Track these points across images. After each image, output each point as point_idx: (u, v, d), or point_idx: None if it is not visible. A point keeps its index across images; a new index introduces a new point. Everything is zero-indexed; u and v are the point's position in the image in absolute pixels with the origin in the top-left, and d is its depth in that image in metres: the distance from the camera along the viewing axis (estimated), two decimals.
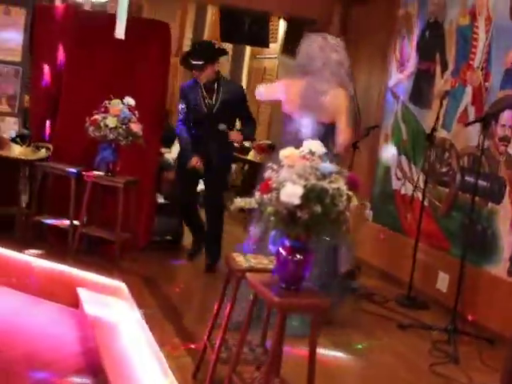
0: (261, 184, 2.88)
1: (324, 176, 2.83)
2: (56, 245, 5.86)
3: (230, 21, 8.45)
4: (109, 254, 5.69)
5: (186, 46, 12.64)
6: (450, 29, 6.00)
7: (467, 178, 5.55)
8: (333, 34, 7.36)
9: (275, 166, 2.89)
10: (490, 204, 5.27)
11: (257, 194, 2.89)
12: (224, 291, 3.56)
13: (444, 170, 5.87)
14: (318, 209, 2.76)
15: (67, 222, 5.76)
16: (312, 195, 2.77)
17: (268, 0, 7.70)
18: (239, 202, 2.95)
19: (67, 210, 5.72)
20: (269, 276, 3.10)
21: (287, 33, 8.81)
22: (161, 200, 6.77)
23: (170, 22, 12.94)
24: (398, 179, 6.45)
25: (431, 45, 6.24)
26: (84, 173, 5.64)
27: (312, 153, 2.92)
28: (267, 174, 2.90)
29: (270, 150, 7.86)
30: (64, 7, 6.61)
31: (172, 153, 10.64)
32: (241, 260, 3.37)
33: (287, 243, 2.90)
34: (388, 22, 6.84)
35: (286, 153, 2.91)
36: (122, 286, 4.64)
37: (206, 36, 12.00)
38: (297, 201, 2.74)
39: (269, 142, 8.70)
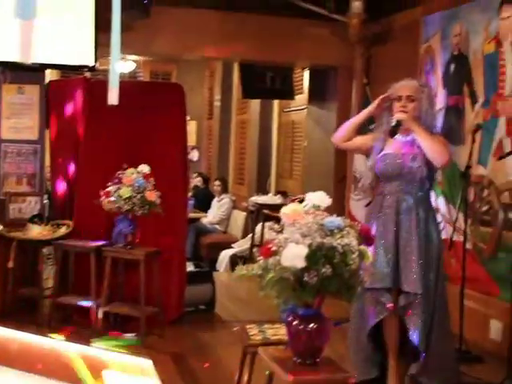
0: (261, 247, 2.56)
1: (331, 232, 2.50)
2: (82, 325, 5.59)
3: (251, 76, 8.26)
4: (136, 331, 5.39)
5: (216, 106, 12.56)
6: (475, 59, 5.66)
7: (511, 215, 5.14)
8: (356, 78, 7.20)
9: (276, 226, 2.57)
10: None
11: (260, 259, 2.56)
12: (242, 367, 3.21)
13: (485, 208, 5.46)
14: (328, 270, 2.42)
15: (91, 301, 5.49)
16: (319, 255, 2.43)
17: (288, 51, 7.51)
18: (241, 269, 2.61)
19: (90, 287, 5.47)
20: (284, 349, 2.75)
21: (311, 82, 8.56)
22: (191, 268, 6.46)
23: (199, 86, 13.21)
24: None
25: (458, 78, 5.90)
26: (103, 248, 5.39)
27: (316, 207, 2.60)
28: (268, 235, 2.57)
29: None
30: (76, 80, 6.50)
31: (209, 217, 10.46)
32: (255, 332, 3.02)
33: (297, 311, 2.56)
34: (411, 59, 6.53)
35: (287, 209, 2.58)
36: (148, 364, 4.35)
37: (234, 95, 11.87)
38: (301, 263, 2.40)
39: (302, 196, 8.38)
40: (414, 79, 4.21)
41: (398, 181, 4.07)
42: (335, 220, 2.52)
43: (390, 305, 3.88)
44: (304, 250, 2.40)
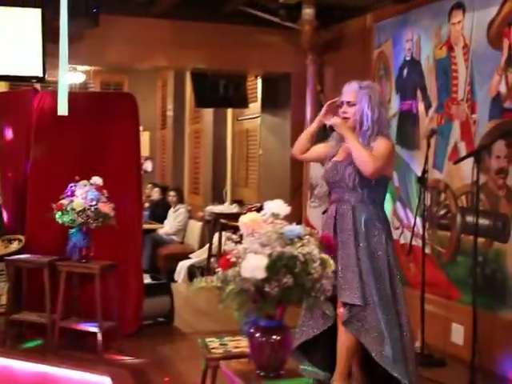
0: (219, 259, 2.49)
1: (291, 241, 2.44)
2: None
3: (203, 85, 8.17)
4: (93, 346, 5.26)
5: (169, 116, 12.45)
6: (427, 64, 5.67)
7: (468, 219, 5.15)
8: (309, 86, 7.18)
9: (234, 236, 2.50)
10: (495, 243, 4.85)
11: (219, 271, 2.49)
12: (203, 381, 3.13)
13: (442, 212, 5.47)
14: (289, 280, 2.36)
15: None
16: (279, 265, 2.37)
17: (240, 59, 7.46)
18: (200, 281, 2.54)
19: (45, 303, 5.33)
20: (247, 362, 2.68)
21: (264, 90, 8.52)
22: (148, 280, 6.35)
23: (152, 97, 13.08)
24: (396, 228, 6.03)
25: (411, 83, 5.90)
26: (57, 262, 5.26)
27: (275, 215, 2.54)
28: (227, 246, 2.50)
29: None
30: (24, 91, 6.35)
31: (165, 228, 10.34)
32: (215, 345, 2.95)
33: (259, 323, 2.49)
34: (364, 65, 6.53)
35: (245, 219, 2.52)
36: (106, 380, 4.24)
37: (187, 104, 11.79)
38: (262, 274, 2.34)
39: (259, 204, 8.33)
40: (356, 81, 4.03)
41: (337, 188, 4.00)
42: (295, 228, 2.46)
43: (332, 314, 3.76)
44: (264, 261, 2.33)
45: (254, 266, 2.34)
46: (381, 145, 3.90)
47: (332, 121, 3.99)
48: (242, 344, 2.93)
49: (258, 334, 2.48)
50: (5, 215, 6.17)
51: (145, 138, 13.08)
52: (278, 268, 2.36)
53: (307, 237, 2.48)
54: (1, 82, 8.89)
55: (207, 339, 3.03)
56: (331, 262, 2.45)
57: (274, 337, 2.47)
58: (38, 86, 7.58)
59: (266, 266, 2.33)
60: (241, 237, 2.52)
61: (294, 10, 6.83)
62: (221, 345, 2.94)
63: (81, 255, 5.23)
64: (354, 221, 3.90)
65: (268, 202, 2.56)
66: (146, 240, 9.76)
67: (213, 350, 2.88)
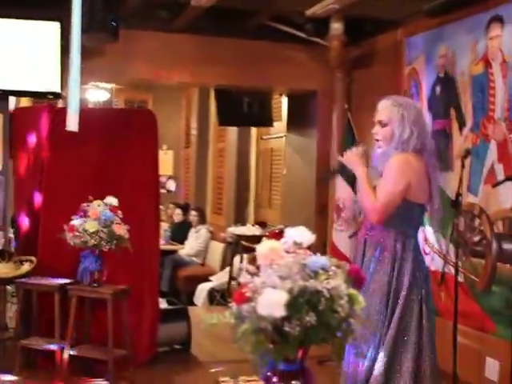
0: (234, 293, 2.19)
1: (315, 273, 2.14)
2: (46, 369, 5.20)
3: (227, 103, 7.92)
4: (104, 375, 4.99)
5: (193, 135, 12.24)
6: (462, 81, 5.37)
7: (505, 246, 4.82)
8: (336, 104, 6.90)
9: (251, 268, 2.21)
10: None
11: (233, 306, 2.20)
12: None
13: (476, 238, 5.14)
14: (312, 319, 2.06)
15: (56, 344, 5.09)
16: (301, 301, 2.07)
17: (265, 76, 7.19)
18: (210, 318, 2.24)
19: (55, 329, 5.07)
20: None
21: (290, 108, 8.25)
22: (164, 305, 6.08)
23: (176, 115, 12.90)
24: (426, 254, 5.70)
25: (444, 101, 5.60)
26: (68, 286, 5.01)
27: (297, 244, 2.24)
28: (242, 278, 2.21)
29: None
30: (41, 106, 6.14)
31: (186, 249, 10.08)
32: None
33: (277, 366, 2.19)
34: (394, 83, 6.24)
35: (264, 248, 2.22)
36: None
37: (211, 123, 11.57)
38: (280, 312, 2.04)
39: (282, 226, 8.04)
40: (391, 97, 3.71)
41: None
42: (319, 259, 2.16)
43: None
44: (284, 296, 2.04)
45: (272, 302, 2.04)
46: (386, 169, 3.58)
47: (340, 158, 3.76)
48: None
49: (275, 379, 2.18)
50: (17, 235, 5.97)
51: (169, 156, 12.91)
52: (300, 305, 2.06)
53: (333, 268, 2.19)
54: (24, 98, 8.71)
55: (221, 379, 2.74)
56: (360, 298, 2.15)
57: (294, 382, 2.17)
58: (57, 102, 7.39)
59: (286, 303, 2.04)
60: (258, 268, 2.23)
61: (321, 25, 6.55)
62: None
63: (92, 279, 4.98)
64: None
65: (290, 229, 2.27)
66: (166, 261, 9.55)
67: None
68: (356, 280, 2.22)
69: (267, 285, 2.09)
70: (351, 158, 3.71)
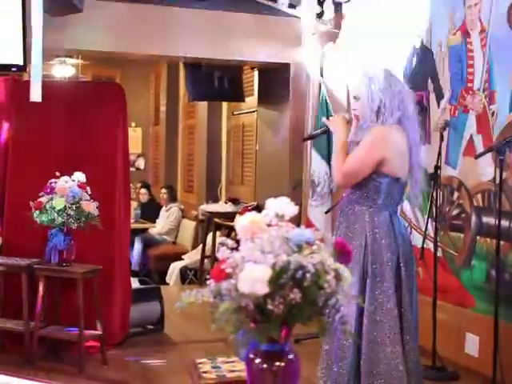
0: (212, 269, 2.04)
1: (299, 247, 2.00)
2: (14, 351, 5.04)
3: (197, 78, 7.71)
4: (74, 358, 4.84)
5: (163, 112, 12.03)
6: (439, 51, 5.24)
7: (485, 220, 4.72)
8: (309, 76, 6.75)
9: (230, 242, 2.05)
10: None
11: (211, 284, 2.04)
12: None
13: (455, 212, 5.04)
14: (297, 296, 1.92)
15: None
16: (285, 278, 1.93)
17: (236, 48, 6.98)
18: (188, 296, 2.09)
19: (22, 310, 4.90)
20: None
21: (261, 83, 8.07)
22: (135, 284, 5.92)
23: (145, 91, 12.66)
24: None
25: (421, 72, 5.47)
26: (36, 266, 4.83)
27: (280, 216, 2.09)
28: (220, 253, 2.06)
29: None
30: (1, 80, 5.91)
31: (157, 227, 9.92)
32: (207, 369, 2.51)
33: (260, 347, 2.05)
34: None
35: (244, 220, 2.07)
36: None
37: (181, 99, 11.36)
38: (264, 289, 1.89)
39: (255, 203, 7.90)
40: (361, 69, 3.65)
41: None
42: (304, 232, 2.01)
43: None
44: (267, 272, 1.89)
45: (254, 278, 1.89)
46: (363, 141, 3.53)
47: (323, 119, 3.78)
48: (237, 367, 2.50)
49: (258, 360, 2.04)
50: None
51: (137, 134, 12.70)
52: (284, 281, 1.92)
53: (318, 242, 2.04)
54: None
55: (197, 360, 2.60)
56: (347, 273, 2.01)
57: (278, 363, 2.03)
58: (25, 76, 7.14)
59: (269, 279, 1.89)
60: (237, 242, 2.07)
61: None
62: (213, 368, 2.51)
63: (61, 258, 4.80)
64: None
65: (270, 200, 2.11)
66: (137, 240, 9.40)
67: (204, 375, 2.45)
68: (342, 254, 2.09)
69: (248, 260, 1.95)
70: (337, 121, 3.68)
